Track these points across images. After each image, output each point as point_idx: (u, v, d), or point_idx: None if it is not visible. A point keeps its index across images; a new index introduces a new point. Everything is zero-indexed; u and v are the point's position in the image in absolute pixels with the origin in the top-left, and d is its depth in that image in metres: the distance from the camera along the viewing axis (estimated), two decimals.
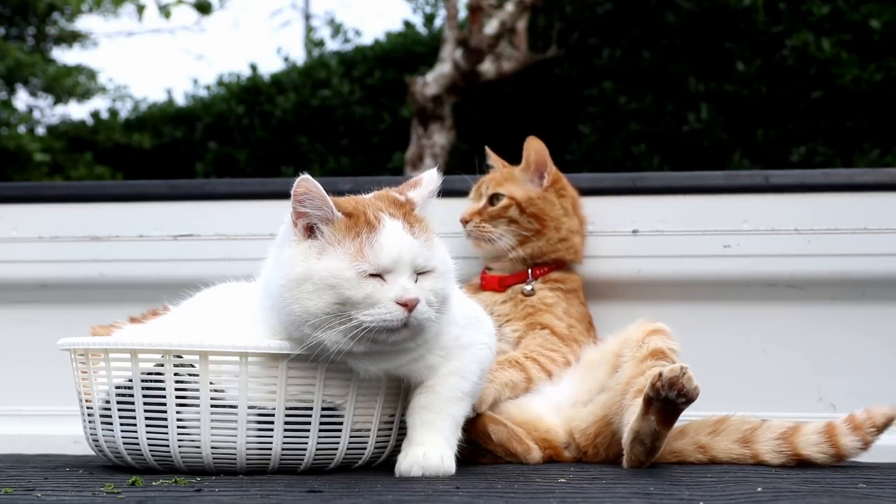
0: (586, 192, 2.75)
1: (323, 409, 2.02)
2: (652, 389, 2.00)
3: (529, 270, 2.62)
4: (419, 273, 1.94)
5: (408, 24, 8.11)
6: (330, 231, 1.92)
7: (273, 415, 1.99)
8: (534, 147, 2.64)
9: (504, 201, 2.61)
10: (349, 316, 1.87)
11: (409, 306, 1.88)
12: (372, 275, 1.89)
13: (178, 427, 1.99)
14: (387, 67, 7.68)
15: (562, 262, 2.65)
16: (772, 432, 2.22)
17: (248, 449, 1.98)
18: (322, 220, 1.93)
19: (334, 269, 1.89)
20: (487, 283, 2.64)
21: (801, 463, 2.17)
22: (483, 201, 2.64)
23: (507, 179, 2.65)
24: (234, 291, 2.24)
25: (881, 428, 2.18)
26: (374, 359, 1.97)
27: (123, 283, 2.87)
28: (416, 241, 1.94)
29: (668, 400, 2.00)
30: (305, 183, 1.92)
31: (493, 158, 2.74)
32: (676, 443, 2.25)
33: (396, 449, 2.07)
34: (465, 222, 2.64)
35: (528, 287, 2.59)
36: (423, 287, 1.93)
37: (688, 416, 2.10)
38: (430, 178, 2.05)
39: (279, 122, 7.83)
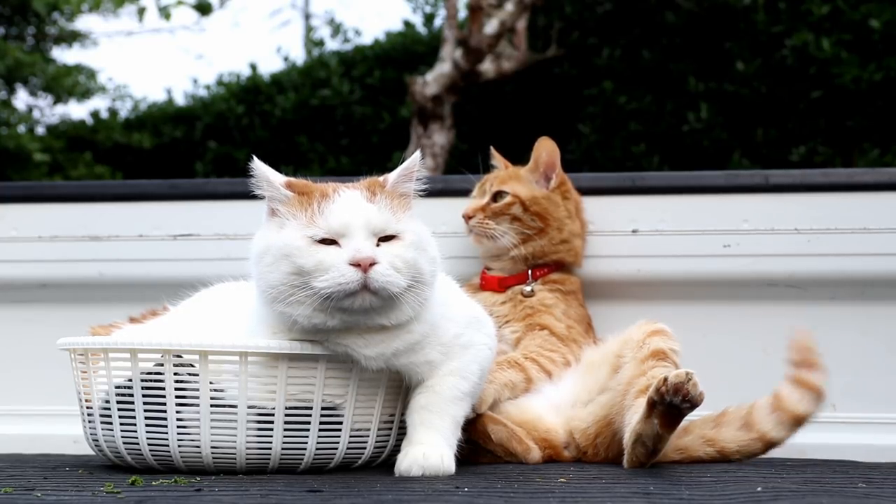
0: (586, 191, 2.75)
1: (323, 408, 2.02)
2: (656, 394, 2.00)
3: (529, 271, 2.62)
4: (382, 239, 1.93)
5: (408, 24, 8.10)
6: (285, 208, 1.96)
7: (273, 414, 1.99)
8: (545, 148, 2.64)
9: (508, 198, 2.61)
10: (309, 285, 1.88)
11: (363, 266, 1.87)
12: (326, 241, 1.90)
13: (178, 427, 1.99)
14: (387, 67, 7.67)
15: (562, 263, 2.65)
16: (764, 409, 2.29)
17: (247, 448, 1.98)
18: (275, 199, 1.98)
19: (287, 239, 1.92)
20: (487, 283, 2.64)
21: (799, 422, 2.28)
22: (486, 198, 2.64)
23: (511, 178, 2.65)
24: (233, 291, 2.24)
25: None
26: (367, 340, 1.96)
27: (123, 283, 2.87)
28: (374, 206, 1.94)
29: (672, 405, 2.00)
30: (253, 168, 2.00)
31: (497, 158, 2.74)
32: (681, 440, 2.25)
33: (396, 449, 2.07)
34: (467, 218, 2.64)
35: (528, 288, 2.59)
36: (386, 251, 1.91)
37: (689, 415, 2.10)
38: (411, 159, 2.05)
39: (279, 122, 7.82)
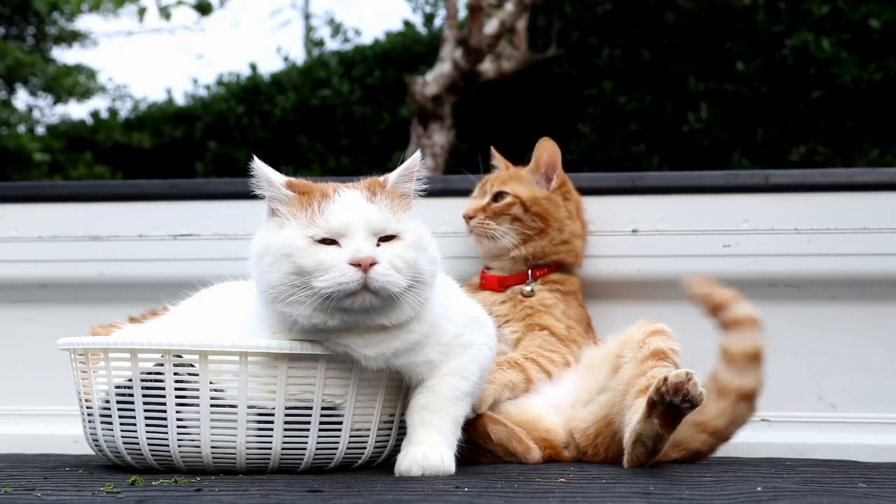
0: (586, 191, 2.75)
1: (323, 408, 2.02)
2: (656, 394, 2.00)
3: (529, 271, 2.62)
4: (382, 239, 1.94)
5: (408, 24, 8.10)
6: (286, 207, 1.96)
7: (273, 414, 1.99)
8: (546, 148, 2.64)
9: (508, 199, 2.61)
10: (309, 285, 1.88)
11: (363, 266, 1.87)
12: (326, 241, 1.90)
13: (178, 427, 1.99)
14: (387, 67, 7.67)
15: (562, 264, 2.65)
16: (723, 365, 2.30)
17: (247, 448, 1.99)
18: (275, 199, 1.98)
19: (287, 239, 1.92)
20: (487, 282, 2.64)
21: (753, 359, 2.28)
22: (487, 198, 2.64)
23: (512, 178, 2.65)
24: (233, 291, 2.24)
25: None
26: (367, 340, 1.96)
27: (123, 283, 2.87)
28: (374, 206, 1.94)
29: (672, 405, 2.00)
30: (254, 168, 2.00)
31: (497, 159, 2.74)
32: (677, 436, 2.24)
33: (396, 449, 2.07)
34: (468, 218, 2.64)
35: (528, 288, 2.59)
36: (386, 251, 1.92)
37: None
38: (411, 159, 2.05)
39: (279, 122, 7.82)
